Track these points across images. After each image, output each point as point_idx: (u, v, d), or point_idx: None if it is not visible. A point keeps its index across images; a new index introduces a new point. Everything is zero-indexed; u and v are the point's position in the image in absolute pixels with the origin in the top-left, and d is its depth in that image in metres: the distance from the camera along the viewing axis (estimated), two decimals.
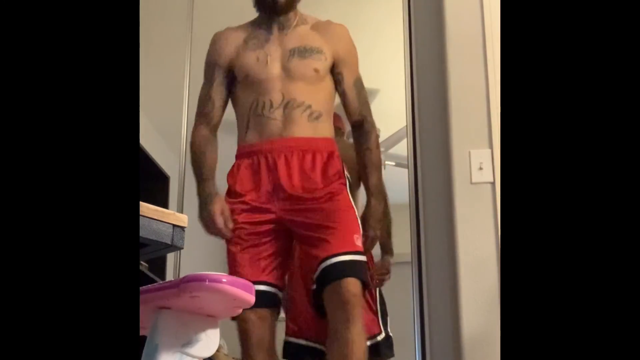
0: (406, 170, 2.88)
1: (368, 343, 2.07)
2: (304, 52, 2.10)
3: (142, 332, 1.36)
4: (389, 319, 2.61)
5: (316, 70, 2.09)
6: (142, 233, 1.62)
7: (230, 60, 2.15)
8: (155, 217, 1.67)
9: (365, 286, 1.97)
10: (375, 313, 2.55)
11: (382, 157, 2.57)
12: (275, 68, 2.09)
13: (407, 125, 2.92)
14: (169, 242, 1.71)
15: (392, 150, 3.26)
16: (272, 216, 2.01)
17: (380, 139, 2.81)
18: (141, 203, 1.56)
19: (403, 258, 2.78)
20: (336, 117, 2.42)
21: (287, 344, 2.45)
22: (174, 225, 1.72)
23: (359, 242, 1.98)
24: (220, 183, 2.11)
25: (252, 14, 2.21)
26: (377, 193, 2.13)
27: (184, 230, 1.75)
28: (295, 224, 2.00)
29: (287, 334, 2.46)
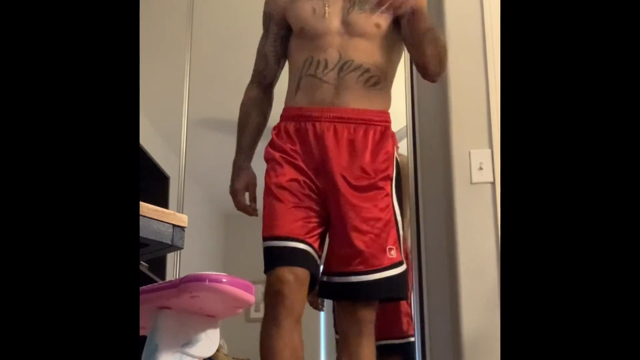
0: None
1: (401, 341, 2.05)
2: (363, 2, 1.88)
3: (142, 332, 1.36)
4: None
5: (377, 26, 1.89)
6: (142, 233, 1.62)
7: (285, 11, 1.96)
8: (155, 217, 1.67)
9: (397, 299, 1.93)
10: (409, 314, 2.56)
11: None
12: (333, 22, 1.88)
13: (407, 125, 2.92)
14: (169, 242, 1.71)
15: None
16: (319, 194, 1.83)
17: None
18: (141, 203, 1.56)
19: None
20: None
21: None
22: (174, 225, 1.72)
23: (393, 253, 1.81)
24: (220, 184, 2.09)
25: (252, 14, 2.20)
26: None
27: (184, 230, 1.75)
28: (333, 211, 1.83)
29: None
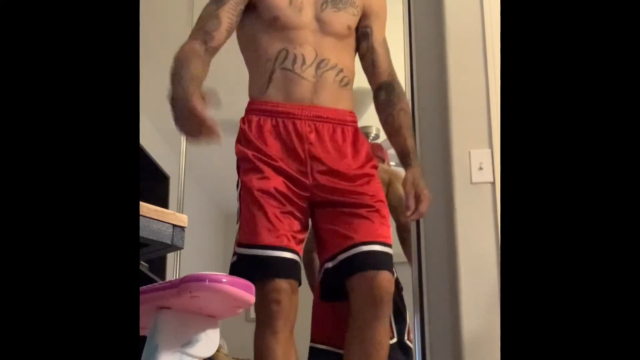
0: None
1: None
2: (337, 1, 1.86)
3: (142, 332, 1.36)
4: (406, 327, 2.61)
5: (349, 28, 1.88)
6: (142, 233, 1.62)
7: None
8: (155, 217, 1.67)
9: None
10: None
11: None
12: (308, 16, 1.84)
13: None
14: (169, 242, 1.71)
15: (392, 151, 3.26)
16: (307, 194, 1.78)
17: (380, 139, 2.81)
18: (141, 203, 1.56)
19: (403, 258, 2.78)
20: (377, 147, 2.34)
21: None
22: (174, 225, 1.72)
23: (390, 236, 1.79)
24: (221, 184, 2.08)
25: None
26: (416, 156, 1.94)
27: (184, 230, 1.75)
28: (331, 202, 1.78)
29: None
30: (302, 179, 1.78)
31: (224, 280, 1.29)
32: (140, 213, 1.59)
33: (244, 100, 2.01)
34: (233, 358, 2.80)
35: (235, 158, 1.90)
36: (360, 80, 2.17)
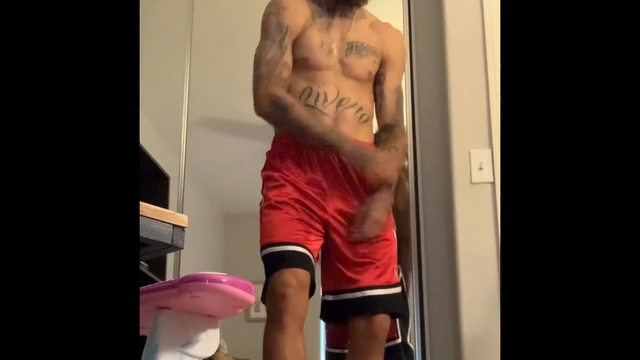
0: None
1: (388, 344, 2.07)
2: (360, 49, 2.00)
3: (142, 332, 1.36)
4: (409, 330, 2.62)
5: (369, 73, 2.02)
6: (142, 233, 1.62)
7: (300, 31, 1.96)
8: (155, 217, 1.67)
9: (396, 316, 1.96)
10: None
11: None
12: (334, 59, 1.97)
13: (407, 125, 2.92)
14: (169, 242, 1.71)
15: None
16: (325, 215, 1.88)
17: None
18: (141, 203, 1.56)
19: None
20: None
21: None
22: (174, 225, 1.72)
23: (396, 273, 1.93)
24: (221, 184, 2.08)
25: (253, 14, 2.20)
26: (389, 190, 1.97)
27: (184, 230, 1.75)
28: (340, 234, 1.89)
29: None
30: (319, 206, 1.88)
31: (224, 280, 1.29)
32: (140, 213, 1.59)
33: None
34: (233, 358, 2.80)
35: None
36: None
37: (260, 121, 2.01)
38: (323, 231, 1.89)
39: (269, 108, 1.90)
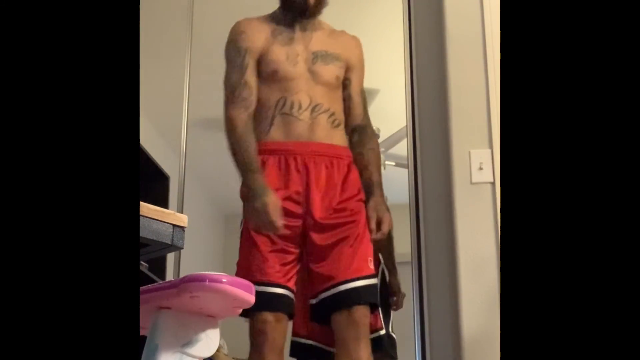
0: (406, 170, 2.88)
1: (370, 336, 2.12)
2: (326, 57, 2.13)
3: (142, 332, 1.36)
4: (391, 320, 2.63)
5: (337, 78, 2.14)
6: (142, 233, 1.62)
7: (262, 51, 2.11)
8: (155, 217, 1.67)
9: (375, 307, 2.05)
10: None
11: (382, 157, 2.58)
12: (301, 68, 2.10)
13: (407, 125, 2.92)
14: (169, 242, 1.71)
15: (392, 150, 3.26)
16: (299, 222, 2.00)
17: (380, 139, 2.81)
18: (141, 203, 1.56)
19: (403, 258, 2.78)
20: None
21: (294, 344, 2.46)
22: (174, 225, 1.72)
23: (371, 265, 2.02)
24: (221, 184, 2.10)
25: (252, 14, 2.20)
26: (381, 190, 2.15)
27: (184, 230, 1.75)
28: (316, 236, 2.01)
29: (294, 334, 2.47)
30: (296, 210, 2.00)
31: (224, 280, 1.29)
32: (140, 213, 1.59)
33: None
34: (233, 358, 2.80)
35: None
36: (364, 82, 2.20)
37: None
38: (298, 250, 2.02)
39: (225, 129, 2.08)
